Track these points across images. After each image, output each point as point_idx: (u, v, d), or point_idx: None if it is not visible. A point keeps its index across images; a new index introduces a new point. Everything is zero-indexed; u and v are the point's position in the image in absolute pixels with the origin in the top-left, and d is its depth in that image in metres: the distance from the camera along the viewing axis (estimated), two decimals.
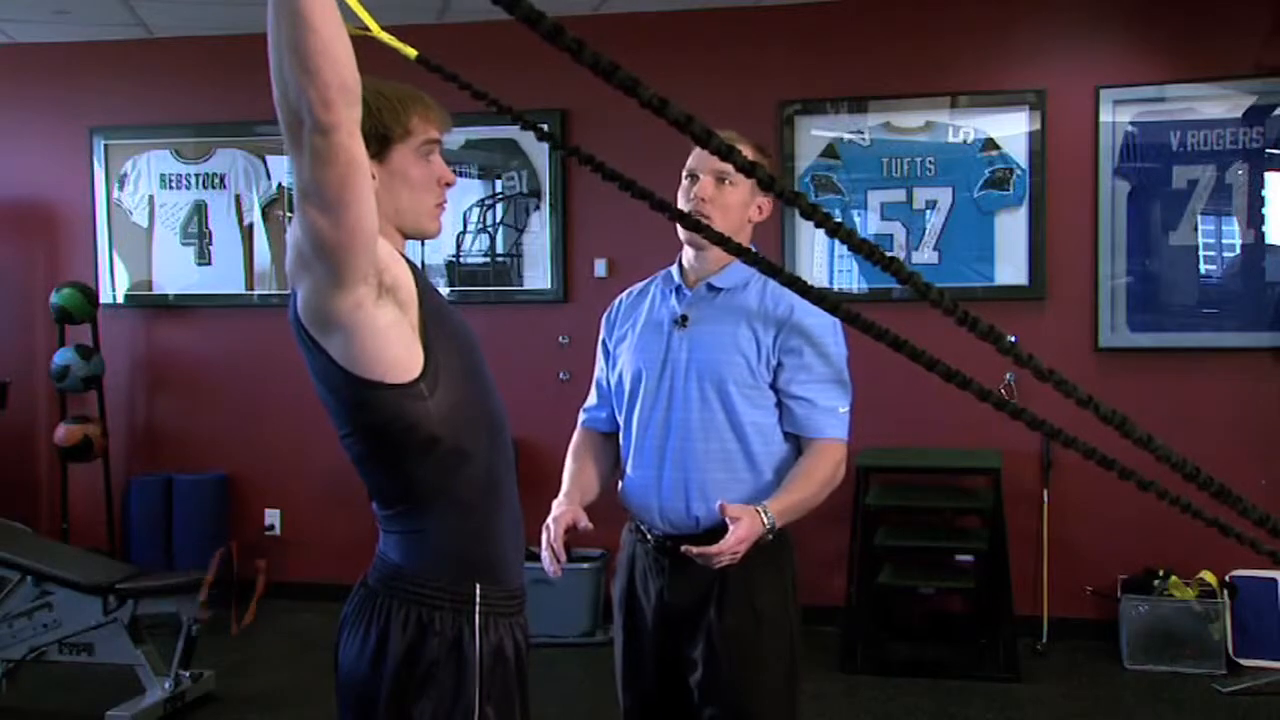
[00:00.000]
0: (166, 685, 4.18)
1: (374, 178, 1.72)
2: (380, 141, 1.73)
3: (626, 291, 2.66)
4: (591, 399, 2.66)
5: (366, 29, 1.66)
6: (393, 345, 1.66)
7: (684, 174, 2.47)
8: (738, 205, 2.42)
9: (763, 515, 2.28)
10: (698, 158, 2.45)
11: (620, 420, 2.55)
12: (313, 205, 1.50)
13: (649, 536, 2.47)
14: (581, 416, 2.66)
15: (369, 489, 1.82)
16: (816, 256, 5.34)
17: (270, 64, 1.41)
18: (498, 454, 1.83)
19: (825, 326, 2.41)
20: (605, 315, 2.67)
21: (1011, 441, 4.93)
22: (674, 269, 2.55)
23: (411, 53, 1.70)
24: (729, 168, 2.35)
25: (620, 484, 2.55)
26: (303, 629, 5.34)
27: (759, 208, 2.48)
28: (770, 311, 2.41)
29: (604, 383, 2.62)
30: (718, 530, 2.28)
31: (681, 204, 2.44)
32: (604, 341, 2.64)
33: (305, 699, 4.42)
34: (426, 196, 1.79)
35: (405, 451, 1.72)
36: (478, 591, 1.77)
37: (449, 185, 1.83)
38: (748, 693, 2.38)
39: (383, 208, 1.72)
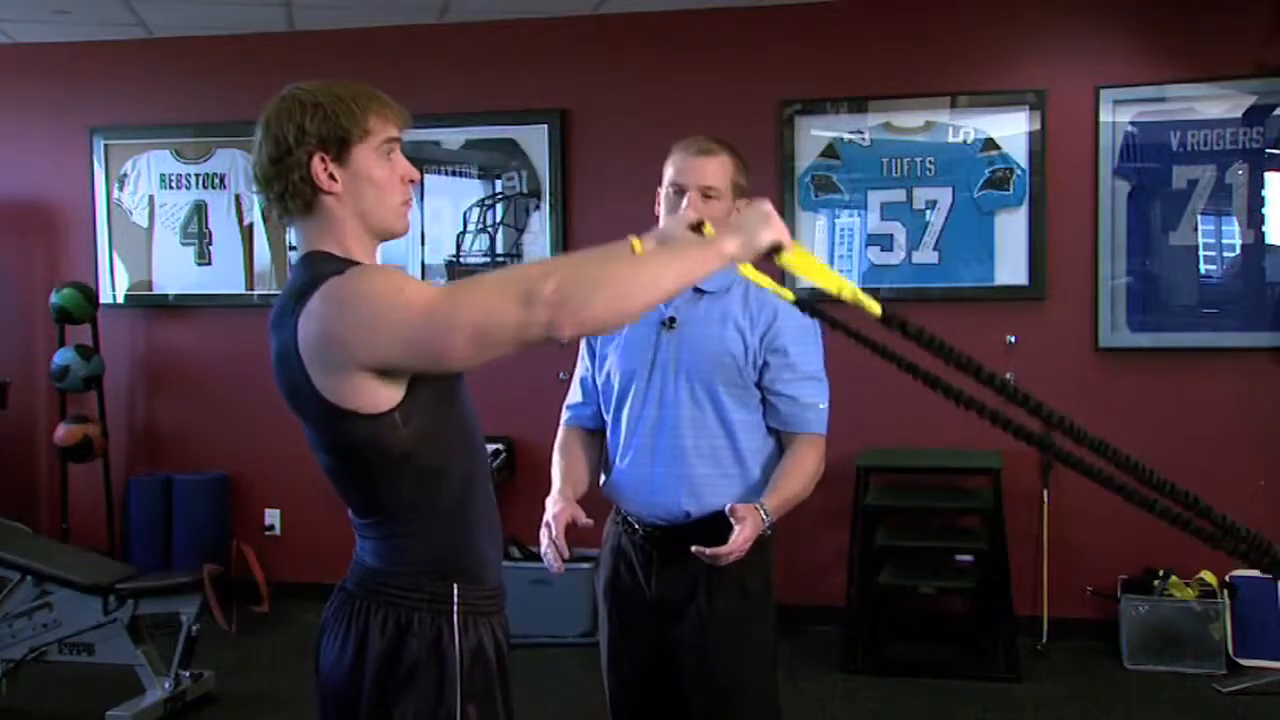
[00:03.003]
0: (166, 685, 4.18)
1: (336, 180, 1.72)
2: (339, 144, 1.71)
3: None
4: (576, 396, 2.72)
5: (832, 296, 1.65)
6: (375, 383, 1.66)
7: (667, 184, 2.50)
8: (722, 217, 2.46)
9: (762, 513, 2.38)
10: (681, 171, 2.49)
11: (608, 418, 2.62)
12: (466, 333, 1.55)
13: (637, 529, 2.54)
14: (565, 414, 2.73)
15: (343, 500, 1.82)
16: None
17: (574, 261, 1.60)
18: (472, 462, 1.83)
19: (806, 328, 2.50)
20: None
21: (1011, 441, 4.89)
22: None
23: (876, 309, 1.62)
24: (715, 183, 2.46)
25: (605, 479, 2.62)
26: (302, 629, 5.33)
27: (739, 212, 2.51)
28: (755, 314, 2.50)
29: (588, 380, 2.68)
30: (706, 522, 2.40)
31: (663, 214, 2.48)
32: (588, 340, 2.68)
33: (305, 699, 4.39)
34: (391, 195, 1.77)
35: (378, 470, 1.73)
36: (455, 592, 1.77)
37: (413, 182, 1.81)
38: (735, 674, 2.47)
39: (348, 210, 1.74)
